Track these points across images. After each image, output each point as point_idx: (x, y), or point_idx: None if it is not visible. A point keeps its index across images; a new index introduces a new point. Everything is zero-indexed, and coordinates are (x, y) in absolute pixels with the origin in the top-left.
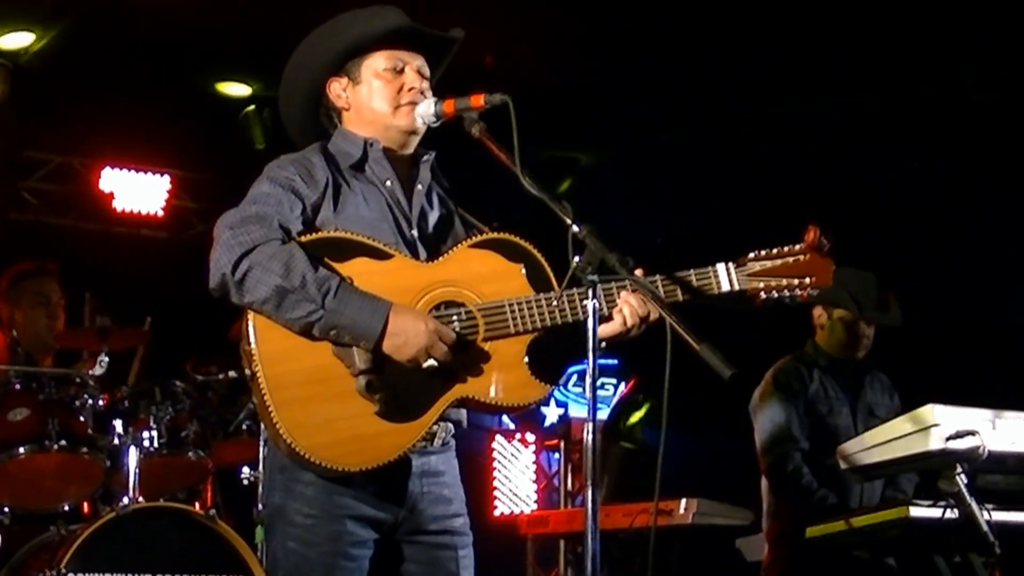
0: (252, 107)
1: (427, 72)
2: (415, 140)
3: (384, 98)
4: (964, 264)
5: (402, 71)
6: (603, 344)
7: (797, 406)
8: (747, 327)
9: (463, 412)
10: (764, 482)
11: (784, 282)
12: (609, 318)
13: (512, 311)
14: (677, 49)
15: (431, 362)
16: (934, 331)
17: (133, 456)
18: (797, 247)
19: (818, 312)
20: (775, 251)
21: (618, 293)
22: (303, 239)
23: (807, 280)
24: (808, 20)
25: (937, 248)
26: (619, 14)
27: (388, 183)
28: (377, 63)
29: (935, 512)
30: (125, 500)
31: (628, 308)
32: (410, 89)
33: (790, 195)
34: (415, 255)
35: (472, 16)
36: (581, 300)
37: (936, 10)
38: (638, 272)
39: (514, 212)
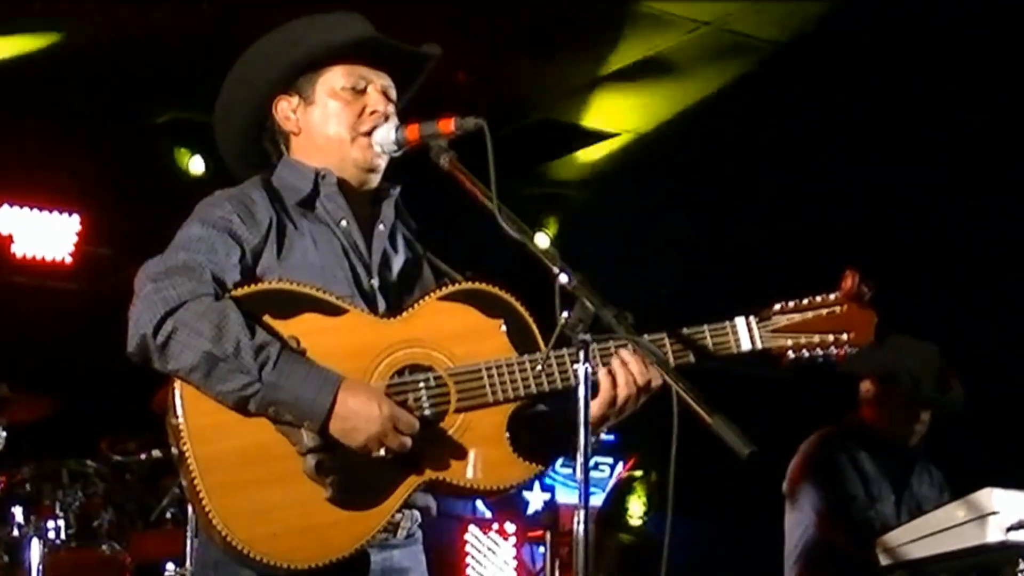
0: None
1: (392, 93)
2: (376, 177)
3: (342, 123)
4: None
5: (364, 91)
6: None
7: (849, 471)
8: (769, 395)
9: (431, 497)
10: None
11: (817, 339)
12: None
13: (490, 376)
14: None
15: (384, 452)
16: (990, 404)
17: (36, 549)
18: (832, 296)
19: (866, 386)
20: (805, 302)
21: (616, 354)
22: (239, 292)
23: (844, 336)
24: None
25: (991, 307)
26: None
27: (343, 223)
28: (335, 80)
29: None
30: None
31: (623, 374)
32: (372, 112)
33: (821, 236)
34: (374, 309)
35: (442, 25)
36: (573, 363)
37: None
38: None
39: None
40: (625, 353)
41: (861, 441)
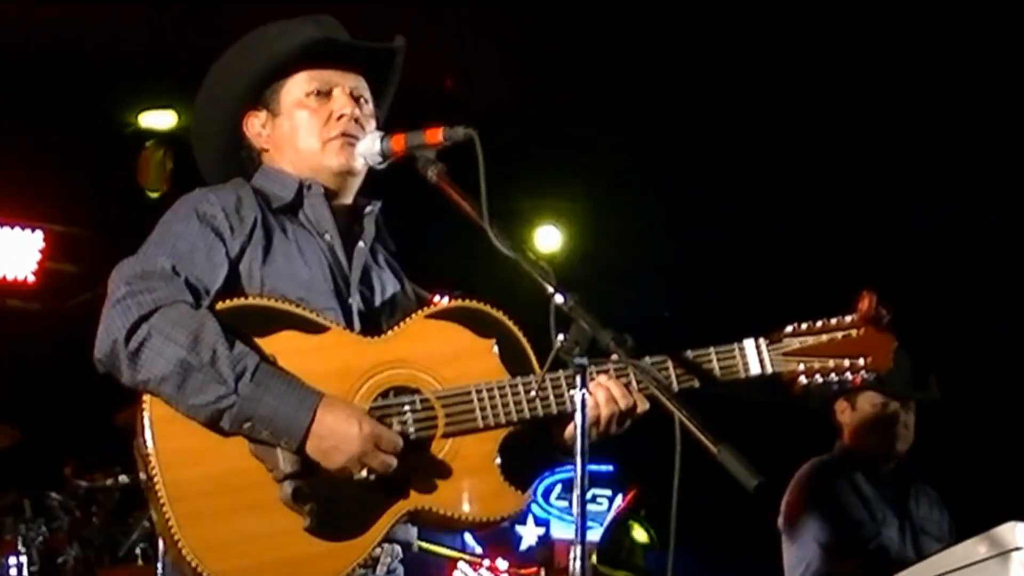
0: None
1: (366, 94)
2: (353, 183)
3: (310, 132)
4: None
5: (329, 94)
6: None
7: (851, 497)
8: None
9: (414, 530)
10: None
11: (831, 363)
12: None
13: (481, 400)
14: (679, 70)
15: (366, 474)
16: (1004, 428)
17: None
18: (848, 319)
19: (841, 407)
20: (819, 324)
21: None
22: (217, 307)
23: (861, 361)
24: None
25: (1011, 323)
26: (612, 24)
27: (327, 236)
28: (298, 88)
29: None
30: None
31: (603, 394)
32: (339, 117)
33: (833, 251)
34: (352, 328)
35: (428, 30)
36: (569, 388)
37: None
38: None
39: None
40: (605, 378)
41: (855, 465)
